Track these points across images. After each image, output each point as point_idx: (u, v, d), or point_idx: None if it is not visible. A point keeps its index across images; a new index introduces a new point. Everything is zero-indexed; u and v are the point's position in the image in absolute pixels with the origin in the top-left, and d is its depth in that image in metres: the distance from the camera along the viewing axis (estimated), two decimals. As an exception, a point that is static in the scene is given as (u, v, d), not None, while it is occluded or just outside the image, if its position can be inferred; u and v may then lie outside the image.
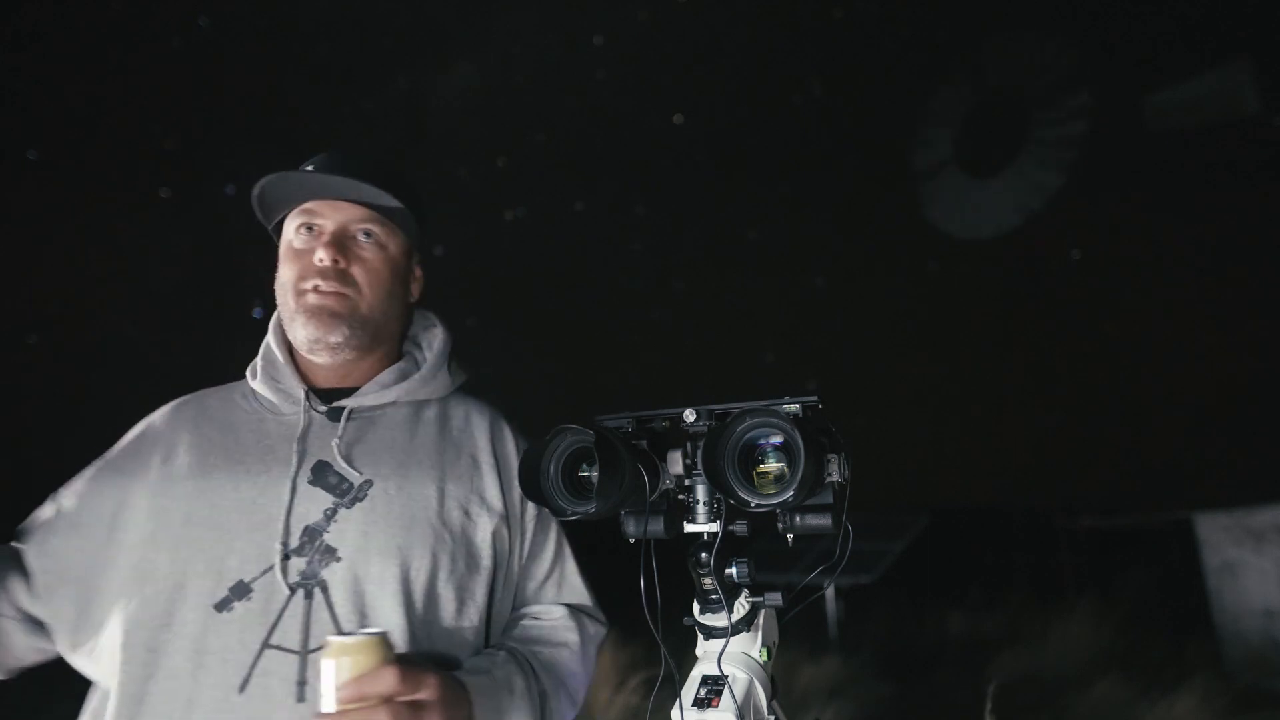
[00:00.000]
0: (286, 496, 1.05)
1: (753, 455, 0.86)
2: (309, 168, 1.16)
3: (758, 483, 0.85)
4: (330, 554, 1.03)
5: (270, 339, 1.20)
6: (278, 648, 0.98)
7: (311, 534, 1.04)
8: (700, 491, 0.92)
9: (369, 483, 1.09)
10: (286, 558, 1.02)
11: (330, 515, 1.06)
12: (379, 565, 1.04)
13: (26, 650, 1.06)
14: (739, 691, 0.87)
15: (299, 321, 1.13)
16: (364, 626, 1.01)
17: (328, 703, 0.87)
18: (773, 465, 0.85)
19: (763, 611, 0.95)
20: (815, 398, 0.89)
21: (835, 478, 0.88)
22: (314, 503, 1.06)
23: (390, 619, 1.02)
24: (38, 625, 1.05)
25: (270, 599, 1.00)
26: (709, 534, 0.91)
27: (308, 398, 1.14)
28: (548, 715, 1.09)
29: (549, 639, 1.17)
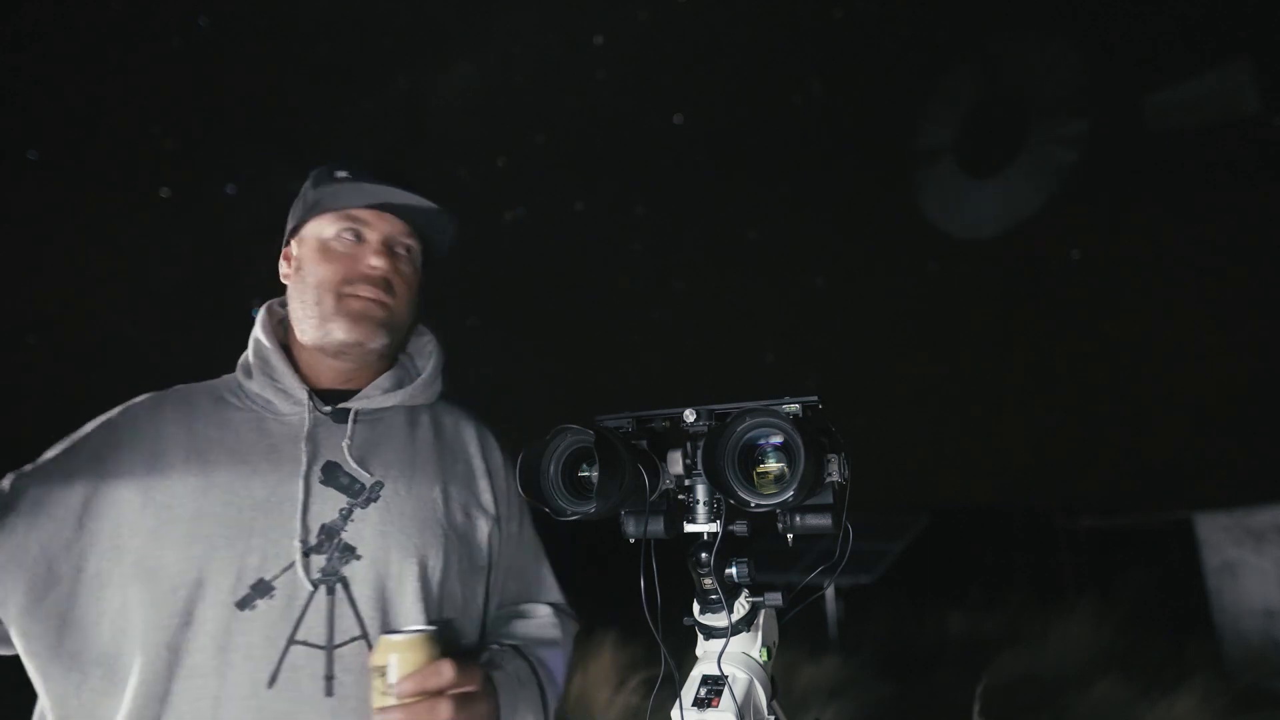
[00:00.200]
0: (301, 495, 1.06)
1: (753, 455, 0.86)
2: (342, 173, 1.14)
3: (758, 483, 0.85)
4: (349, 552, 1.05)
5: (261, 336, 1.17)
6: (304, 643, 1.00)
7: (329, 532, 1.06)
8: (700, 491, 0.92)
9: (380, 484, 1.11)
10: (306, 555, 1.03)
11: (346, 515, 1.08)
12: (398, 564, 1.07)
13: None
14: (739, 691, 0.87)
15: (338, 324, 1.12)
16: (386, 623, 1.05)
17: (385, 697, 0.91)
18: (773, 465, 0.85)
19: (763, 611, 0.95)
20: (815, 398, 0.89)
21: (835, 478, 0.88)
22: (328, 502, 1.07)
23: (411, 615, 1.06)
24: None
25: (293, 596, 1.01)
26: (709, 534, 0.91)
27: (311, 398, 1.14)
28: (545, 705, 1.14)
29: (539, 636, 1.22)
